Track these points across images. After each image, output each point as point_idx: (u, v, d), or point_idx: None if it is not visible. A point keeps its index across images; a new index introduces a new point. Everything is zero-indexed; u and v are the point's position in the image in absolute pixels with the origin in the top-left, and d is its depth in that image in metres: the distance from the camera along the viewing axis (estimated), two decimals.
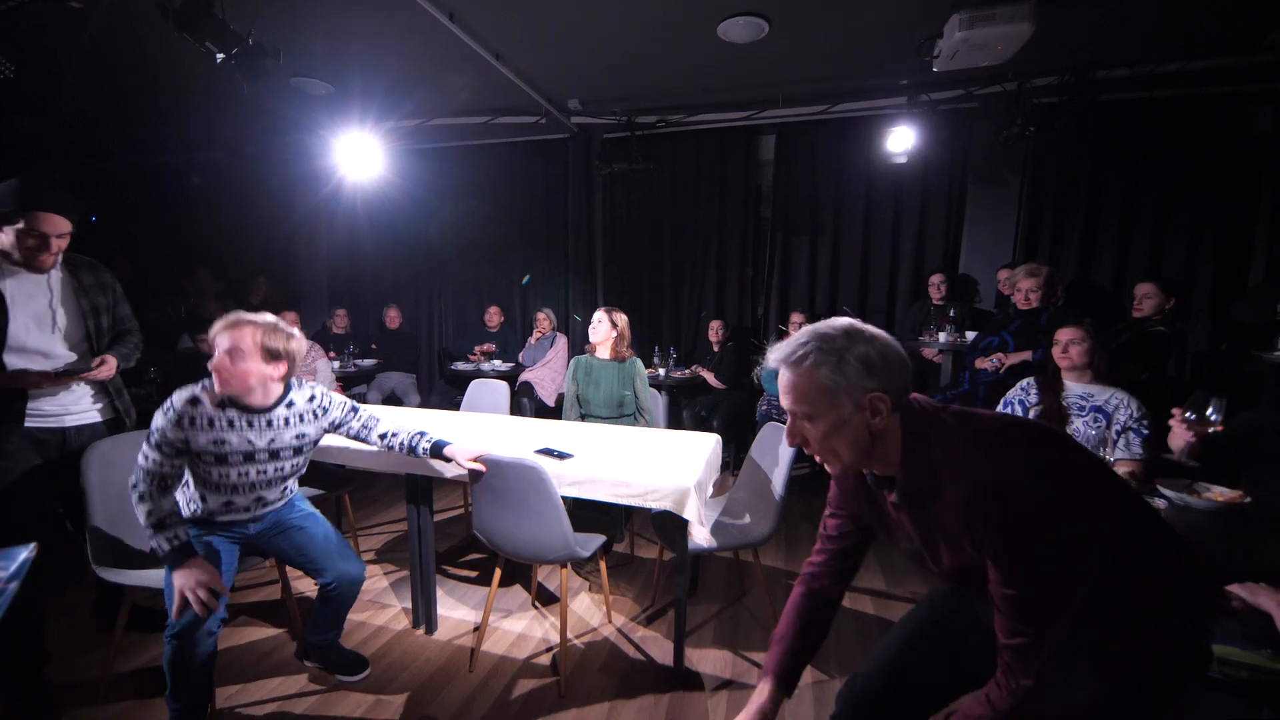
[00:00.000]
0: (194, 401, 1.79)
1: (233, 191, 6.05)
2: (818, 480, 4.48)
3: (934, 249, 4.81)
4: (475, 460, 2.07)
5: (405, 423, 2.27)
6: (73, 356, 2.08)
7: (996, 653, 1.03)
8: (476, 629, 2.50)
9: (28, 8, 2.65)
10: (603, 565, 2.59)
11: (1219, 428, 1.73)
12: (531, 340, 5.42)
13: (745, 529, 2.42)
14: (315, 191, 5.43)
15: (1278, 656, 1.29)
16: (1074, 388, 2.33)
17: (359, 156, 4.08)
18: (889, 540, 1.25)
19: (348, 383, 5.20)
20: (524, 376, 5.14)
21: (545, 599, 2.79)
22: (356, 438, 2.18)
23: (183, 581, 1.69)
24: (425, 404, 5.56)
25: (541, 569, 2.93)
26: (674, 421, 4.74)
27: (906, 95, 4.28)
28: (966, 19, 3.02)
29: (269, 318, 1.84)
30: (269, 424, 1.89)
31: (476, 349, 5.47)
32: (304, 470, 2.12)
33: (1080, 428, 2.25)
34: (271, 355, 1.80)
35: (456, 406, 3.83)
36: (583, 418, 3.29)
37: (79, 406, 2.14)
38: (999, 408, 2.54)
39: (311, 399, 2.02)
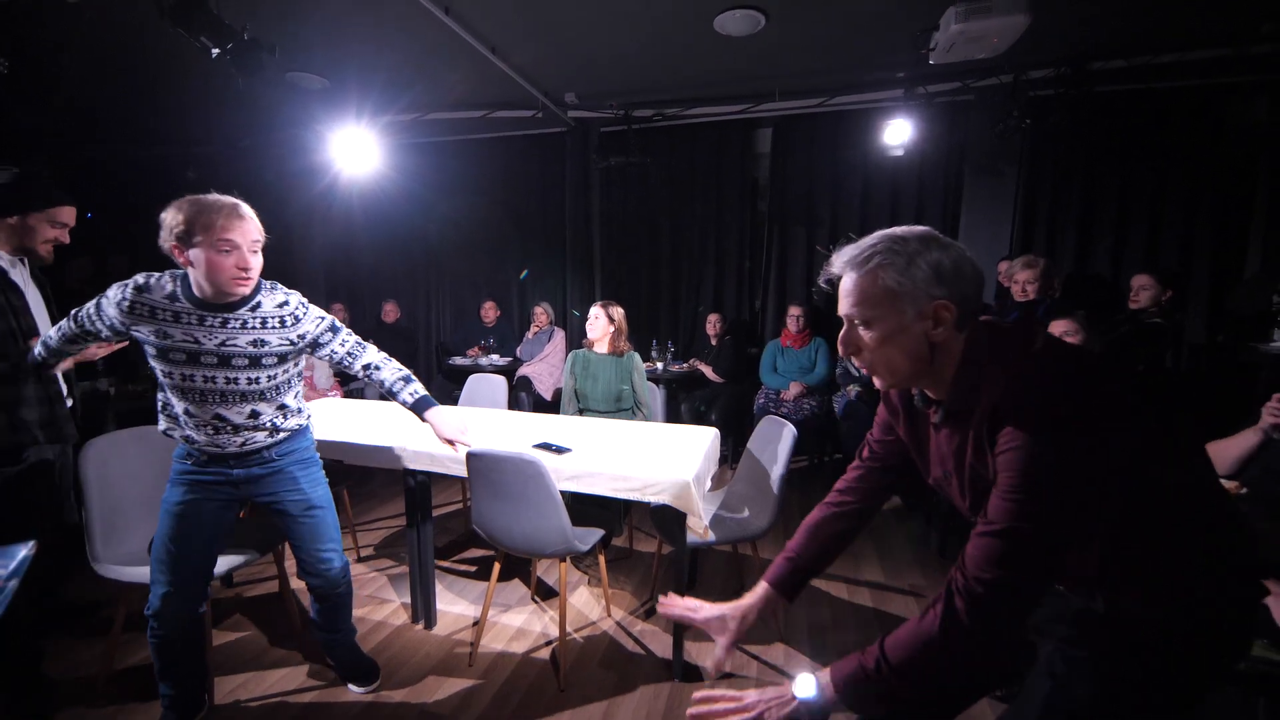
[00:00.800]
0: (142, 289, 1.66)
1: (228, 186, 5.99)
2: (816, 473, 4.50)
3: None
4: (456, 441, 1.97)
5: (395, 362, 2.03)
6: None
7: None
8: (476, 624, 2.50)
9: (24, 2, 2.63)
10: (601, 559, 2.60)
11: None
12: (529, 335, 5.42)
13: (744, 522, 2.43)
14: (311, 186, 5.39)
15: (1274, 646, 1.30)
16: None
17: (355, 151, 4.06)
18: (921, 468, 1.18)
19: (345, 378, 5.17)
20: (522, 371, 5.13)
21: (544, 593, 2.79)
22: (339, 364, 1.92)
23: None
24: None
25: (540, 563, 2.94)
26: (672, 415, 4.73)
27: (903, 88, 4.28)
28: (963, 11, 3.01)
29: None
30: (223, 323, 1.67)
31: (468, 351, 5.48)
32: (281, 399, 1.83)
33: None
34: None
35: (455, 401, 3.83)
36: (581, 412, 3.29)
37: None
38: None
39: (283, 304, 1.78)
